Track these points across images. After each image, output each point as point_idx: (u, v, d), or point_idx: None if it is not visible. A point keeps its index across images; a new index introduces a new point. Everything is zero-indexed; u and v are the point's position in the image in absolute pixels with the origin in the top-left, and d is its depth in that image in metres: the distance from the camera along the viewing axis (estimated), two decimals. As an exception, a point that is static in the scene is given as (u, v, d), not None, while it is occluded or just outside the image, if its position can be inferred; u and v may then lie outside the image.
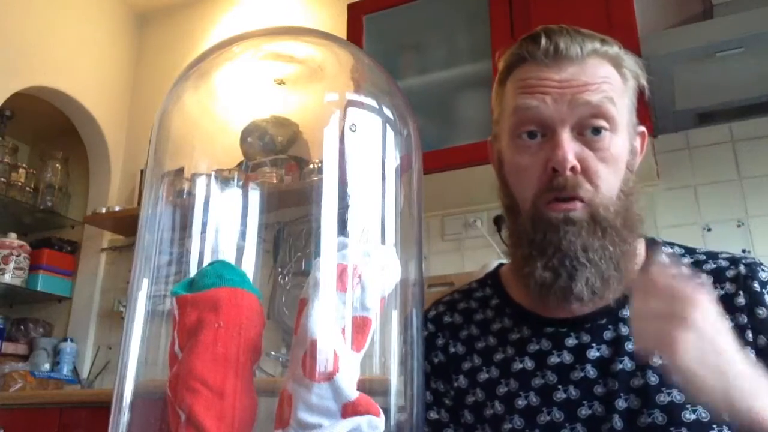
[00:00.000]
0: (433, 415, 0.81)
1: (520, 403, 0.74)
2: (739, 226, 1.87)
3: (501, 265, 0.91)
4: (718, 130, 1.95)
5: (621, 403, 0.70)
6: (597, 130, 0.73)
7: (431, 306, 0.91)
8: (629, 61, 0.78)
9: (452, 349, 0.83)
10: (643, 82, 0.80)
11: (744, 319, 0.72)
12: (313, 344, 0.39)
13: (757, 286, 0.74)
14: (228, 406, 0.38)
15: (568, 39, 0.75)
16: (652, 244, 0.83)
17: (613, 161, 0.74)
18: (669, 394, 0.69)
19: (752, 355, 0.70)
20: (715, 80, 1.72)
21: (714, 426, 0.68)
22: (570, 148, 0.72)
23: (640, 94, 0.80)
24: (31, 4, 2.77)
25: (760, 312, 0.72)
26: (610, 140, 0.73)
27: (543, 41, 0.75)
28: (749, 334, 0.71)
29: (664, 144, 1.95)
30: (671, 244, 0.84)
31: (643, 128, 0.82)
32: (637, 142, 0.80)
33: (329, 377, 0.38)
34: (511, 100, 0.77)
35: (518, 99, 0.76)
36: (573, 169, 0.72)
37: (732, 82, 1.73)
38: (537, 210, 0.74)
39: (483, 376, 0.79)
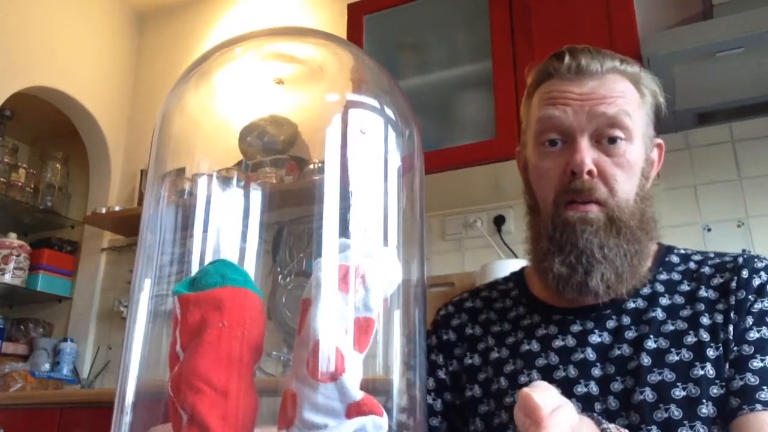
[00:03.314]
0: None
1: (523, 379, 0.81)
2: (739, 226, 1.87)
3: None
4: (718, 130, 1.95)
5: (617, 386, 0.76)
6: (613, 140, 0.79)
7: (456, 294, 1.00)
8: (647, 79, 0.85)
9: (469, 331, 0.91)
10: (661, 99, 0.87)
11: (732, 300, 0.78)
12: (320, 345, 0.39)
13: (745, 273, 0.79)
14: (231, 406, 0.38)
15: (590, 57, 0.82)
16: (665, 249, 0.88)
17: (629, 167, 0.80)
18: (660, 374, 0.74)
19: (731, 333, 0.75)
20: (715, 80, 1.72)
21: (703, 401, 0.72)
22: (588, 154, 0.79)
23: (657, 110, 0.87)
24: (31, 4, 2.77)
25: (740, 294, 0.78)
26: (626, 148, 0.80)
27: (567, 58, 0.82)
28: (732, 314, 0.77)
29: (664, 144, 1.95)
30: (685, 249, 0.89)
31: (660, 140, 0.88)
32: (654, 154, 0.87)
33: (335, 377, 0.38)
34: (536, 111, 0.85)
35: (542, 110, 0.83)
36: (590, 172, 0.78)
37: (732, 82, 1.73)
38: (556, 210, 0.81)
39: (494, 355, 0.86)
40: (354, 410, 0.38)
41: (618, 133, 0.79)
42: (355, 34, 2.20)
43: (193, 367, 0.38)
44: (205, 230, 0.51)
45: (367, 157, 0.51)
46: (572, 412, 0.52)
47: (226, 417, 0.37)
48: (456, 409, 0.88)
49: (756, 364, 0.72)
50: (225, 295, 0.40)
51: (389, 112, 0.52)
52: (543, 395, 0.49)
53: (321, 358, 0.39)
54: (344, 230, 0.44)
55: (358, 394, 0.39)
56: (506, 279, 0.97)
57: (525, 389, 0.50)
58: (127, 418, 0.45)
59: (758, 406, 0.70)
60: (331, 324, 0.39)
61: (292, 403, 0.38)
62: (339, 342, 0.39)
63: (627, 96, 0.81)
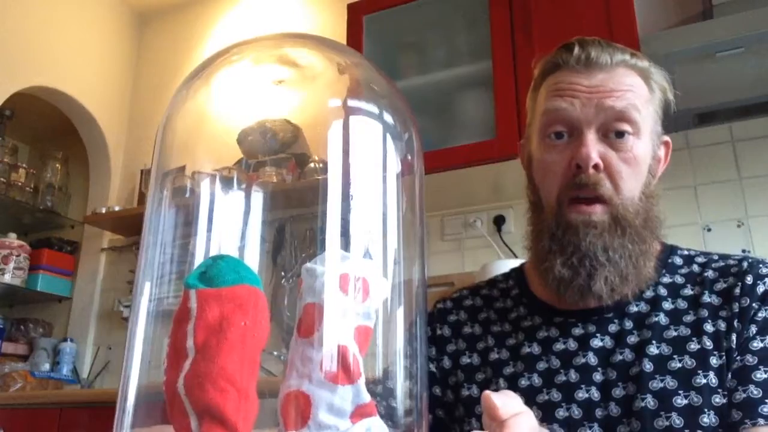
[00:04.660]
0: None
1: (523, 382, 0.79)
2: (739, 226, 1.87)
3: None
4: (718, 130, 1.95)
5: (618, 392, 0.75)
6: (620, 134, 0.77)
7: (456, 290, 0.98)
8: (658, 74, 0.83)
9: (468, 329, 0.89)
10: (670, 96, 0.85)
11: (736, 307, 0.76)
12: (341, 349, 0.40)
13: (750, 279, 0.77)
14: (251, 408, 0.38)
15: (600, 49, 0.80)
16: (668, 249, 0.86)
17: (636, 163, 0.78)
18: (662, 380, 0.73)
19: (734, 342, 0.74)
20: (715, 80, 1.72)
21: (704, 410, 0.71)
22: (594, 148, 0.77)
23: (666, 106, 0.85)
24: (31, 4, 2.77)
25: (743, 301, 0.76)
26: (633, 143, 0.78)
27: (576, 50, 0.80)
28: (736, 323, 0.75)
29: (664, 144, 1.96)
30: (688, 250, 0.87)
31: (667, 138, 0.86)
32: (662, 151, 0.85)
33: (354, 380, 0.39)
34: (543, 103, 0.82)
35: (549, 101, 0.81)
36: (596, 166, 0.76)
37: (732, 82, 1.73)
38: (560, 208, 0.79)
39: (494, 356, 0.84)
40: (358, 412, 0.38)
41: (626, 127, 0.77)
42: (354, 34, 2.20)
43: (220, 367, 0.37)
44: (205, 231, 0.51)
45: (367, 160, 0.51)
46: (533, 419, 0.54)
47: (247, 419, 0.37)
48: (441, 403, 0.87)
49: (759, 375, 0.71)
50: (244, 293, 0.39)
51: (388, 115, 0.52)
52: (504, 400, 0.51)
53: (343, 361, 0.40)
54: (345, 233, 0.44)
55: (367, 397, 0.39)
56: (506, 276, 0.95)
57: (487, 392, 0.51)
58: (128, 419, 0.45)
59: (761, 421, 0.68)
60: (349, 329, 0.40)
61: (305, 404, 0.39)
62: (354, 347, 0.40)
63: (636, 90, 0.79)
